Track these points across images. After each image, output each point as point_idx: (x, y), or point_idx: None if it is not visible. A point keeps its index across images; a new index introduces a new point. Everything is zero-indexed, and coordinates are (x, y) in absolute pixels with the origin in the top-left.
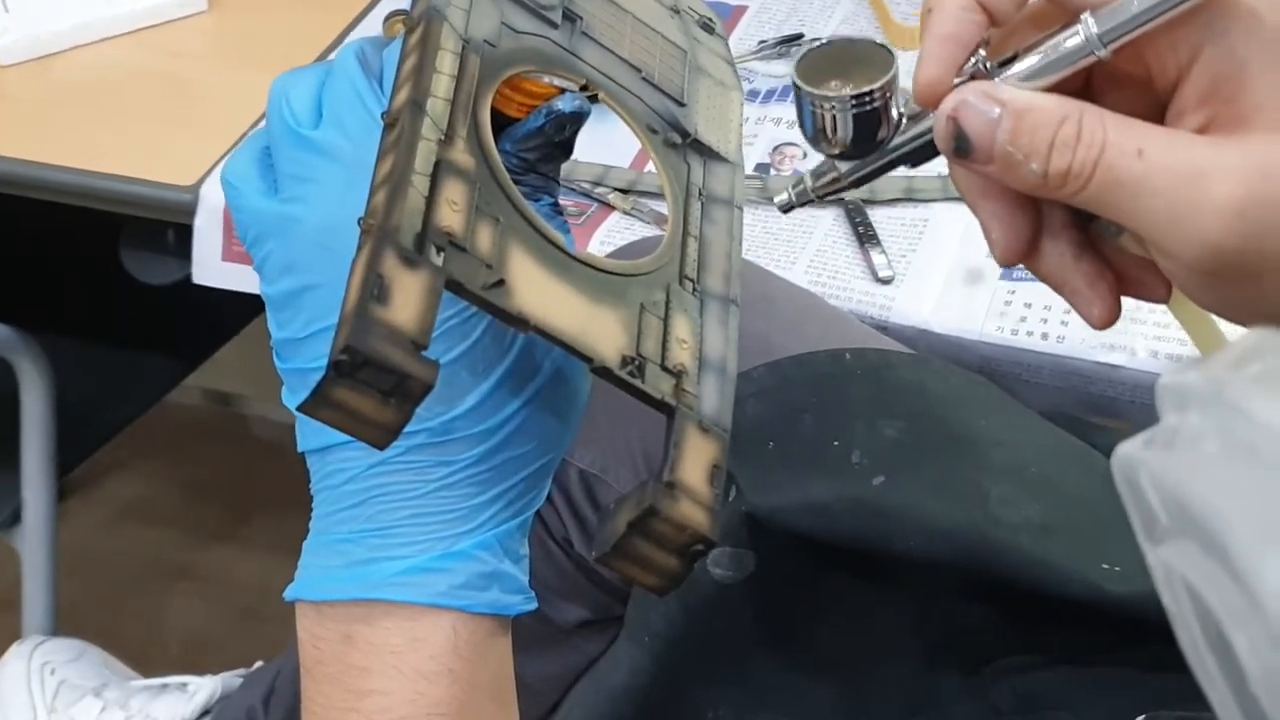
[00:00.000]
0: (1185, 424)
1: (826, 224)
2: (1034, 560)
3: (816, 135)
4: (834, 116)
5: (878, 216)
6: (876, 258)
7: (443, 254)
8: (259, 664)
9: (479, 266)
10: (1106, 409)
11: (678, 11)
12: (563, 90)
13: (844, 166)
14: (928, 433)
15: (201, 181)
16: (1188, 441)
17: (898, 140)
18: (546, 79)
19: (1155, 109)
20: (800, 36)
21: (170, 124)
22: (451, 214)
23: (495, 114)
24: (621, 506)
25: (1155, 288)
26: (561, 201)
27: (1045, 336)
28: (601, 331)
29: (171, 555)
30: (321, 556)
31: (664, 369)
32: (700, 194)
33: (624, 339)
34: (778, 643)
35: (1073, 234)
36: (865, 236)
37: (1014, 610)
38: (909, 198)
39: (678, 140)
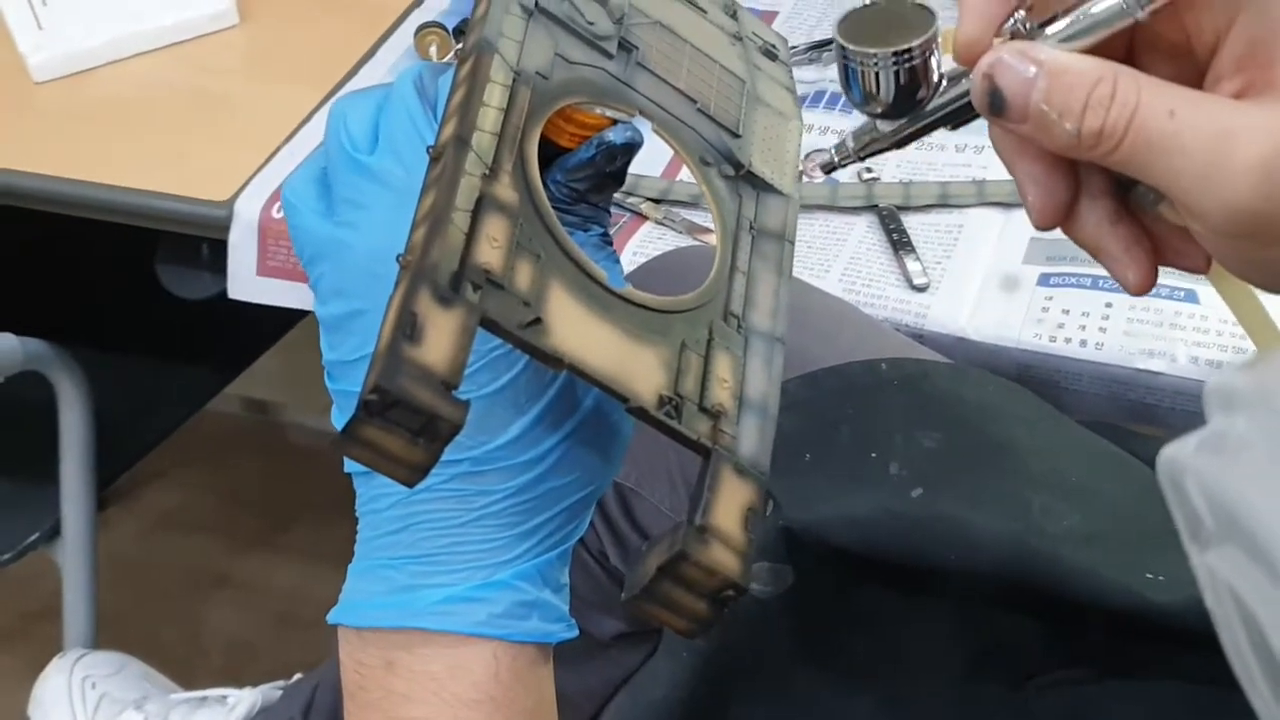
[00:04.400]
0: (1232, 429)
1: (860, 231)
2: (1077, 570)
3: (861, 95)
4: (876, 74)
5: (912, 223)
6: (911, 265)
7: (479, 291)
8: (298, 676)
9: (516, 304)
10: (1146, 416)
11: (740, 39)
12: (615, 120)
13: (885, 127)
14: (966, 443)
15: (235, 197)
16: (1235, 447)
17: (938, 100)
18: (599, 110)
19: (1195, 77)
20: (831, 43)
21: (203, 139)
22: (491, 251)
23: (547, 143)
24: (652, 550)
25: (1193, 257)
26: None
27: (1084, 343)
28: (639, 371)
29: (211, 563)
30: (364, 580)
31: (702, 409)
32: (751, 227)
33: (662, 378)
34: (816, 656)
35: (1110, 201)
36: (899, 243)
37: (1057, 622)
38: (943, 204)
39: (731, 173)
